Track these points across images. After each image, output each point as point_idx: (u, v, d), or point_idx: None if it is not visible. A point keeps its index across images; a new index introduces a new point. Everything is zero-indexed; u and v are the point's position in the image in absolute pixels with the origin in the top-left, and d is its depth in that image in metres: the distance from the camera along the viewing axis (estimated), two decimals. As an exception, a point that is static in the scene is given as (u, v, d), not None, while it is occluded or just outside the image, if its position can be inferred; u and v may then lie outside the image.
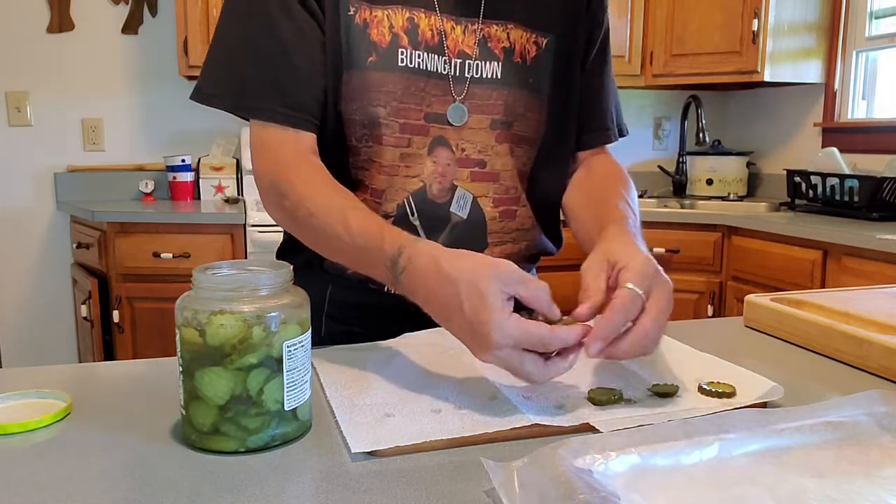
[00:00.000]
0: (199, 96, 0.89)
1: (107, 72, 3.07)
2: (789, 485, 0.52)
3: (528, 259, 1.04)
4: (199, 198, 3.10)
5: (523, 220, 1.00)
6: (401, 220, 0.93)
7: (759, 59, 2.83)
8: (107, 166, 3.11)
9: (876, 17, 2.87)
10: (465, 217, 0.95)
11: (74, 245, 2.97)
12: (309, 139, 0.90)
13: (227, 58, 0.89)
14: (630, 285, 0.69)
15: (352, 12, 0.88)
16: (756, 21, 2.81)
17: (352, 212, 0.80)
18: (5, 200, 3.06)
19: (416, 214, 0.93)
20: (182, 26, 2.78)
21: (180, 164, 3.01)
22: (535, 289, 0.67)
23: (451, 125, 0.93)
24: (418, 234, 0.93)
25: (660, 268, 0.73)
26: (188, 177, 3.03)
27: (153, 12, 3.07)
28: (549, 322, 0.68)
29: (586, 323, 0.68)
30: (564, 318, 0.69)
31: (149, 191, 3.07)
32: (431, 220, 0.94)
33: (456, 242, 0.94)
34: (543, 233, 1.05)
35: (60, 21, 3.00)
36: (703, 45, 2.97)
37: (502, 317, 0.65)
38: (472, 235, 0.96)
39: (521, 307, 0.67)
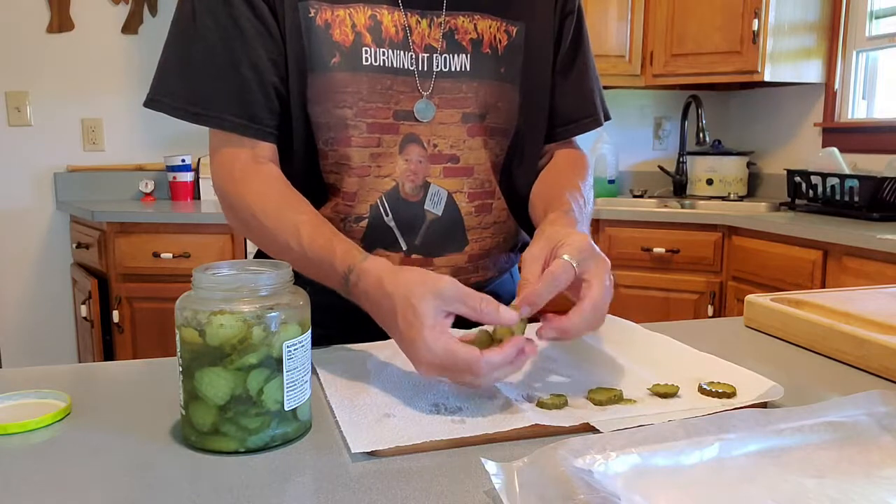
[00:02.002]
0: (152, 104, 0.89)
1: (107, 72, 3.07)
2: (789, 485, 0.52)
3: (510, 249, 1.03)
4: (199, 198, 3.10)
5: (499, 212, 0.99)
6: (375, 222, 0.92)
7: (759, 59, 2.83)
8: (107, 166, 3.11)
9: (876, 17, 2.87)
10: (439, 214, 0.94)
11: (74, 245, 2.97)
12: (265, 148, 0.90)
13: (179, 67, 0.88)
14: (565, 257, 0.70)
15: (312, 14, 0.87)
16: (756, 21, 2.81)
17: (303, 227, 0.82)
18: (5, 200, 3.05)
19: (390, 215, 0.93)
20: (182, 26, 2.77)
21: (180, 164, 3.01)
22: (478, 304, 0.67)
23: (420, 121, 0.91)
24: (394, 235, 0.93)
25: (597, 248, 0.74)
26: (188, 177, 3.03)
27: (153, 12, 3.07)
28: (498, 333, 0.68)
29: (526, 337, 0.68)
30: (521, 313, 0.68)
31: (149, 191, 3.07)
32: (406, 219, 0.93)
33: (434, 240, 0.94)
34: (521, 225, 1.04)
35: (60, 21, 3.00)
36: (703, 45, 2.96)
37: (432, 335, 0.65)
38: (449, 232, 0.95)
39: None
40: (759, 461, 0.55)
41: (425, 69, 0.91)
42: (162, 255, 2.59)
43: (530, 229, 1.05)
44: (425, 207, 0.93)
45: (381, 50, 0.89)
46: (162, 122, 3.13)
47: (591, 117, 1.04)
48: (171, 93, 0.88)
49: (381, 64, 0.89)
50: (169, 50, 0.89)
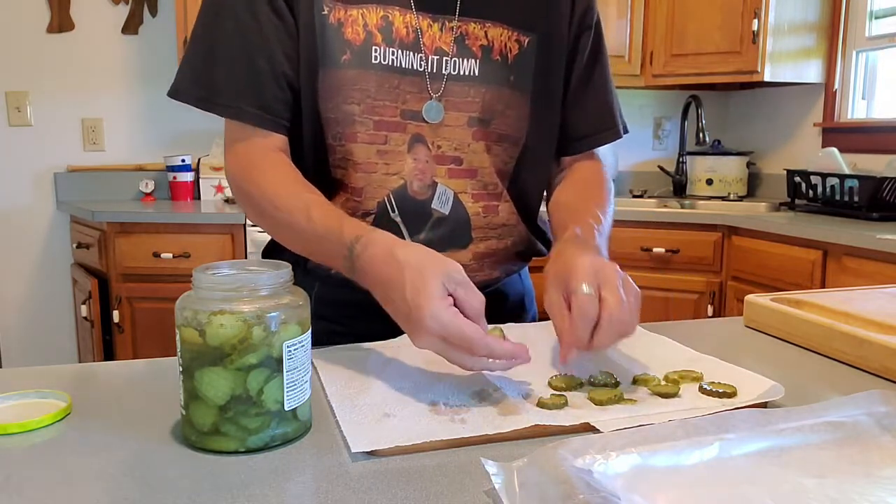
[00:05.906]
0: (174, 94, 0.92)
1: (107, 72, 3.07)
2: (789, 485, 0.52)
3: (517, 256, 1.04)
4: (199, 198, 3.10)
5: (507, 216, 1.00)
6: (382, 217, 0.94)
7: (759, 58, 2.83)
8: (107, 166, 3.11)
9: (876, 17, 2.87)
10: (446, 213, 0.95)
11: (74, 245, 2.97)
12: (277, 139, 0.92)
13: (198, 57, 0.91)
14: (584, 287, 0.71)
15: (325, 12, 0.89)
16: (756, 21, 2.81)
17: (314, 206, 0.84)
18: (5, 200, 3.05)
19: (396, 211, 0.94)
20: (182, 26, 2.77)
21: (180, 164, 3.01)
22: (473, 296, 0.69)
23: (427, 122, 0.93)
24: (400, 231, 0.94)
25: (606, 260, 0.76)
26: (188, 177, 3.03)
27: (153, 12, 3.07)
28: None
29: (515, 342, 0.70)
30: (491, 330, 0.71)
31: (149, 191, 3.07)
32: (413, 216, 0.95)
33: (440, 238, 0.95)
34: (531, 232, 1.05)
35: (60, 21, 3.00)
36: (703, 45, 2.96)
37: (441, 304, 0.67)
38: (455, 231, 0.96)
39: None
40: (759, 461, 0.55)
41: (434, 71, 0.92)
42: (162, 255, 2.59)
43: (544, 238, 1.07)
44: (433, 206, 0.95)
45: (391, 49, 0.90)
46: (162, 122, 3.13)
47: (610, 130, 1.06)
48: (192, 83, 0.91)
49: (390, 63, 0.90)
50: (192, 42, 0.92)
